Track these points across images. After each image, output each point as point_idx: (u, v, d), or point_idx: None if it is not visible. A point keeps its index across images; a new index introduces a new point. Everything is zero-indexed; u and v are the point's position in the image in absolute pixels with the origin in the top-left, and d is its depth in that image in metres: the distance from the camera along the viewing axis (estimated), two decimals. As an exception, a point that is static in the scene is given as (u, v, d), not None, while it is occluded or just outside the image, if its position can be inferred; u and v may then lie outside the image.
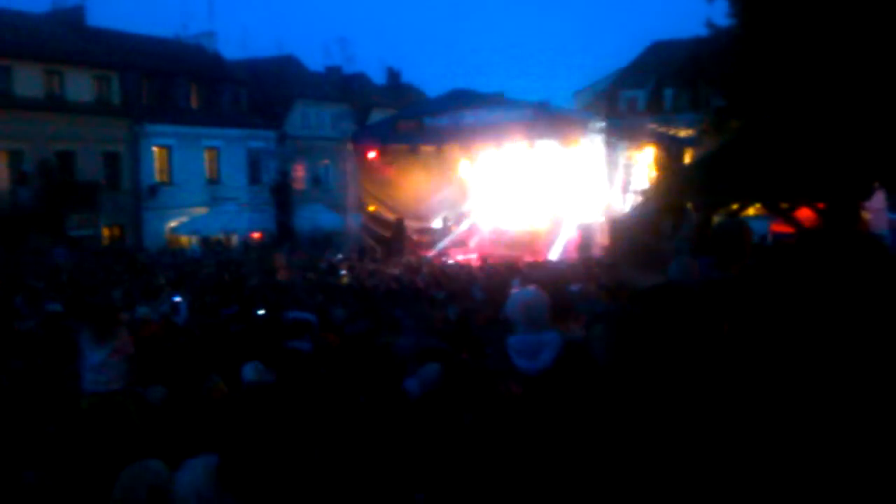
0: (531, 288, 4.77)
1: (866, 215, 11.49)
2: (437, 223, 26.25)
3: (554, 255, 20.68)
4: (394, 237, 24.59)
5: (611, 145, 21.38)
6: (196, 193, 33.81)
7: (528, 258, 19.98)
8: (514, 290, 6.36)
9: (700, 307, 2.92)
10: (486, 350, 6.37)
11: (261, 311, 10.61)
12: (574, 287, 10.83)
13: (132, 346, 6.55)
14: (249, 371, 6.09)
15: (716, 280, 3.90)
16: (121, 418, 5.85)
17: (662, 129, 23.19)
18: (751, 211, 17.38)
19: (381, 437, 4.20)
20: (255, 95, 38.01)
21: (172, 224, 32.36)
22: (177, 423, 5.29)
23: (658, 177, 19.98)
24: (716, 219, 15.35)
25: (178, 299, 11.84)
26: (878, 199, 10.82)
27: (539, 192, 23.31)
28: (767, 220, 16.71)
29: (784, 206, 16.58)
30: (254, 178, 36.78)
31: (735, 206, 16.74)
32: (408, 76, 48.22)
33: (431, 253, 23.75)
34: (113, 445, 4.81)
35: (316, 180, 39.37)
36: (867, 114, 11.49)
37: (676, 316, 2.81)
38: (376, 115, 38.59)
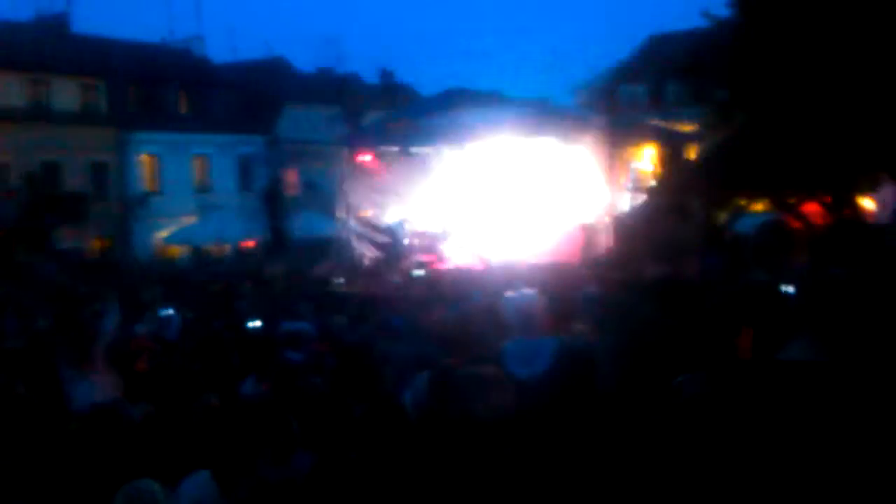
0: (527, 291, 4.70)
1: (874, 208, 11.31)
2: (436, 227, 25.86)
3: (553, 256, 20.35)
4: (391, 242, 24.25)
5: (612, 143, 21.09)
6: (186, 202, 33.44)
7: (528, 261, 19.57)
8: (510, 294, 6.17)
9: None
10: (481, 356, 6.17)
11: (255, 323, 10.37)
12: (588, 290, 10.64)
13: (108, 364, 6.49)
14: (249, 385, 5.98)
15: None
16: (110, 434, 5.59)
17: (664, 125, 22.93)
18: (758, 207, 17.00)
19: (377, 450, 3.89)
20: (244, 99, 37.54)
21: (162, 234, 31.87)
22: (167, 440, 5.12)
23: (661, 174, 19.65)
24: (721, 216, 15.01)
25: (169, 313, 11.44)
26: (887, 192, 10.50)
27: (538, 192, 22.98)
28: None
29: (791, 200, 16.17)
30: (245, 184, 36.39)
31: (741, 203, 16.36)
32: (402, 76, 47.80)
33: (430, 258, 23.37)
34: (104, 465, 4.60)
35: (309, 185, 38.72)
36: (873, 103, 11.29)
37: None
38: (370, 117, 38.20)
